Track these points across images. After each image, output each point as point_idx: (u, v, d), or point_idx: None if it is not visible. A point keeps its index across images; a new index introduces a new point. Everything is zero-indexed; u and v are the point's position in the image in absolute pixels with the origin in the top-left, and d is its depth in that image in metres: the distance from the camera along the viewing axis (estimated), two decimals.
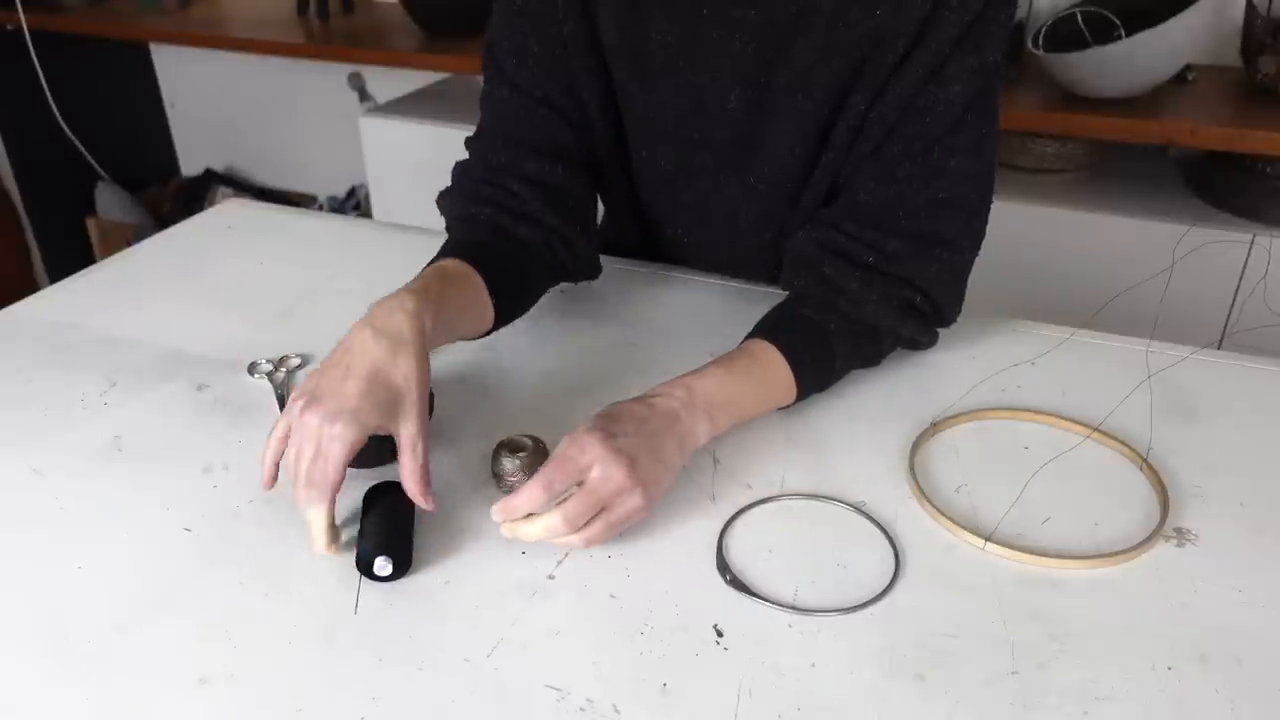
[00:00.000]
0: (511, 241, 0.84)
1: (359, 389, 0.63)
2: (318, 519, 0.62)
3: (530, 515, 0.63)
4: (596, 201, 0.91)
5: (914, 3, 0.73)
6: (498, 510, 0.63)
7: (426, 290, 0.71)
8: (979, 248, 0.83)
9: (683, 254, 1.03)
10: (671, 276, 1.02)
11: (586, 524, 0.63)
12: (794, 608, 0.61)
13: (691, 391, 0.71)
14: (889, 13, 0.74)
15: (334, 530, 0.63)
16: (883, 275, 0.79)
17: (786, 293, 0.85)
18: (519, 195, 0.84)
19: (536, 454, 0.70)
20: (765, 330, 0.79)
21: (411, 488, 0.65)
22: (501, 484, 0.70)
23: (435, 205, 0.89)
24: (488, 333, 0.82)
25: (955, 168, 0.77)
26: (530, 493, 0.62)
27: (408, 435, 0.65)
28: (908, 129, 0.77)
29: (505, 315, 0.82)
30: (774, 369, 0.76)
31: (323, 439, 0.62)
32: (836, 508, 0.70)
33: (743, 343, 0.79)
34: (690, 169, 0.89)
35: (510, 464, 0.69)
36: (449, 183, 0.89)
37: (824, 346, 0.78)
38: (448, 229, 0.88)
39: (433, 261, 0.80)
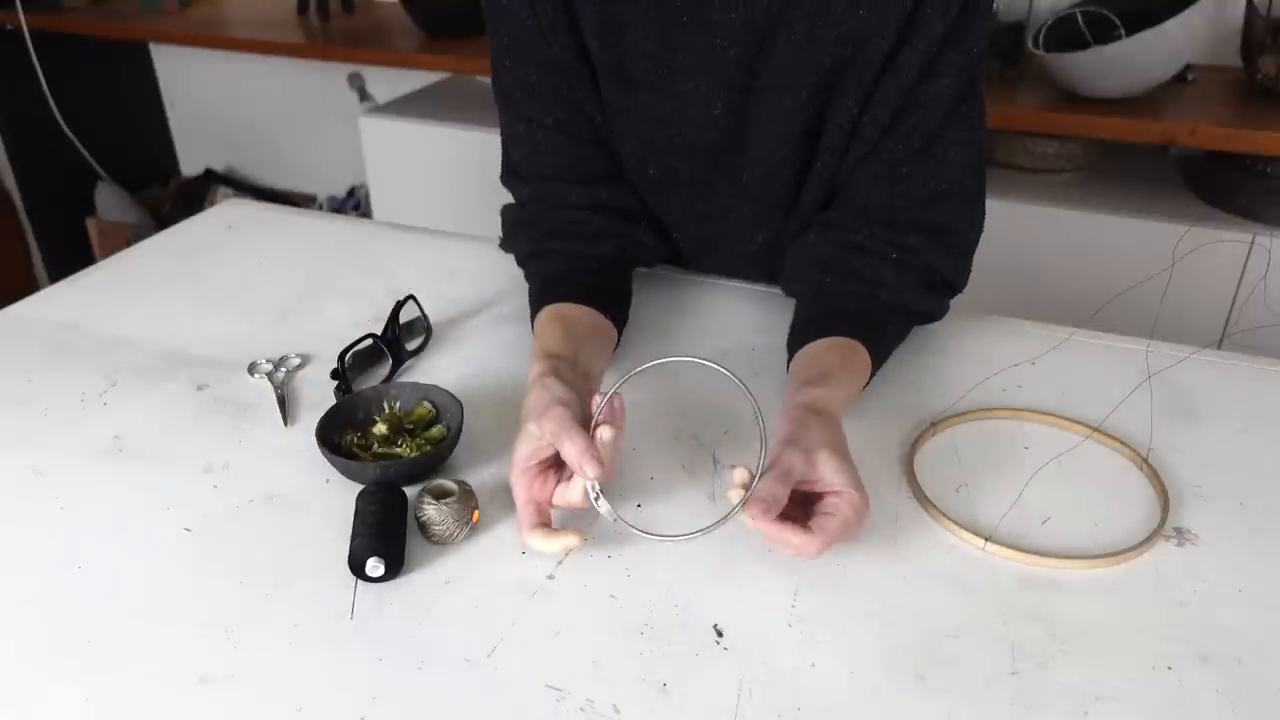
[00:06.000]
0: (593, 261, 0.88)
1: (523, 464, 0.66)
2: (539, 545, 0.65)
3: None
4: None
5: (896, 1, 0.73)
6: (755, 508, 0.61)
7: (559, 359, 0.73)
8: (983, 226, 0.86)
9: (679, 260, 1.03)
10: (668, 276, 1.02)
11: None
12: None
13: (836, 401, 0.72)
14: (870, 12, 0.74)
15: (555, 538, 0.65)
16: (909, 266, 0.82)
17: (790, 297, 0.87)
18: (578, 220, 0.88)
19: (463, 498, 0.66)
20: (840, 328, 0.80)
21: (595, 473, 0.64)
22: (428, 532, 0.65)
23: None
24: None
25: (953, 158, 0.80)
26: (774, 487, 0.62)
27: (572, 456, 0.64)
28: (904, 126, 0.78)
29: (621, 324, 0.87)
30: (861, 365, 0.78)
31: (518, 503, 0.66)
32: None
33: (814, 340, 0.79)
34: (678, 175, 0.89)
35: (436, 512, 0.65)
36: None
37: (882, 336, 0.82)
38: (522, 265, 0.92)
39: (538, 304, 0.83)
